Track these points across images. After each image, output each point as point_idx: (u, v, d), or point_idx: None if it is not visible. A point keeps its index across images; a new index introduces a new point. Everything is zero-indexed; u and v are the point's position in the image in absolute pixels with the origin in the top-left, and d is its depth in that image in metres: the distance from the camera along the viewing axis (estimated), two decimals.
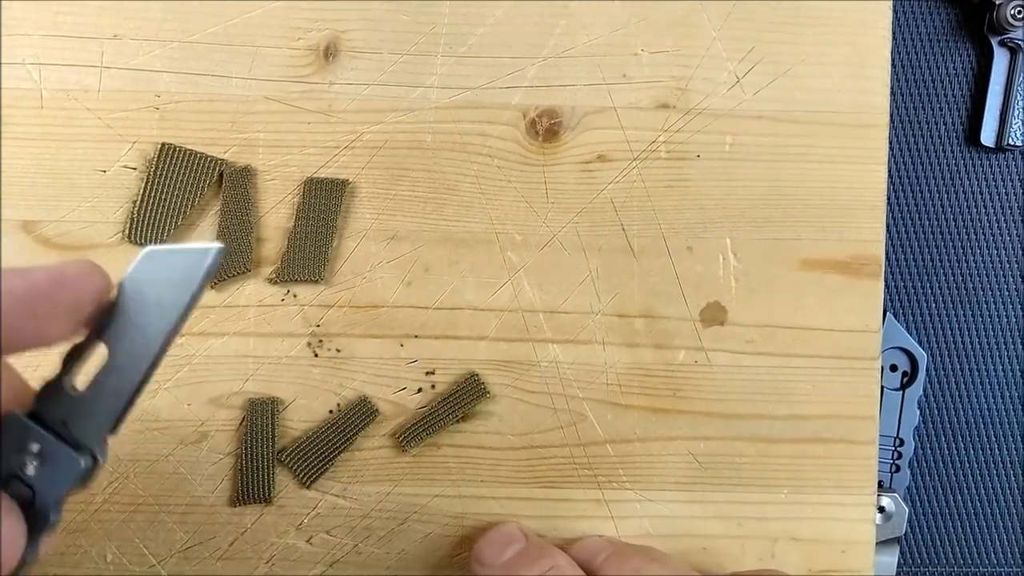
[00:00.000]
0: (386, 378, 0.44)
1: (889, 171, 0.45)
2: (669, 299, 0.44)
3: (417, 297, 0.44)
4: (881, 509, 0.49)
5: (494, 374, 0.44)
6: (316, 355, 0.44)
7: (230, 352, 0.44)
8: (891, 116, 0.44)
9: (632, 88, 0.44)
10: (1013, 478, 0.51)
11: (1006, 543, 0.52)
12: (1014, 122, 0.50)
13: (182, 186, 0.43)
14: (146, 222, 0.43)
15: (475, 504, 0.44)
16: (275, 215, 0.44)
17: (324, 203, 0.43)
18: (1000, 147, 0.50)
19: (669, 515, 0.44)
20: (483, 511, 0.44)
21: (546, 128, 0.44)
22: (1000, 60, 0.50)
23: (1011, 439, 0.51)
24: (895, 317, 0.51)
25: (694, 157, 0.44)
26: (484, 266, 0.44)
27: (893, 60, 0.45)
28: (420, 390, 0.44)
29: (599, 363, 0.44)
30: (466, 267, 0.44)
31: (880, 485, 0.49)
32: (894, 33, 0.47)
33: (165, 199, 0.43)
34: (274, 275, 0.43)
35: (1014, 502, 0.51)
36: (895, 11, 0.47)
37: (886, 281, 0.49)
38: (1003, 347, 0.51)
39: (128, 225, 0.43)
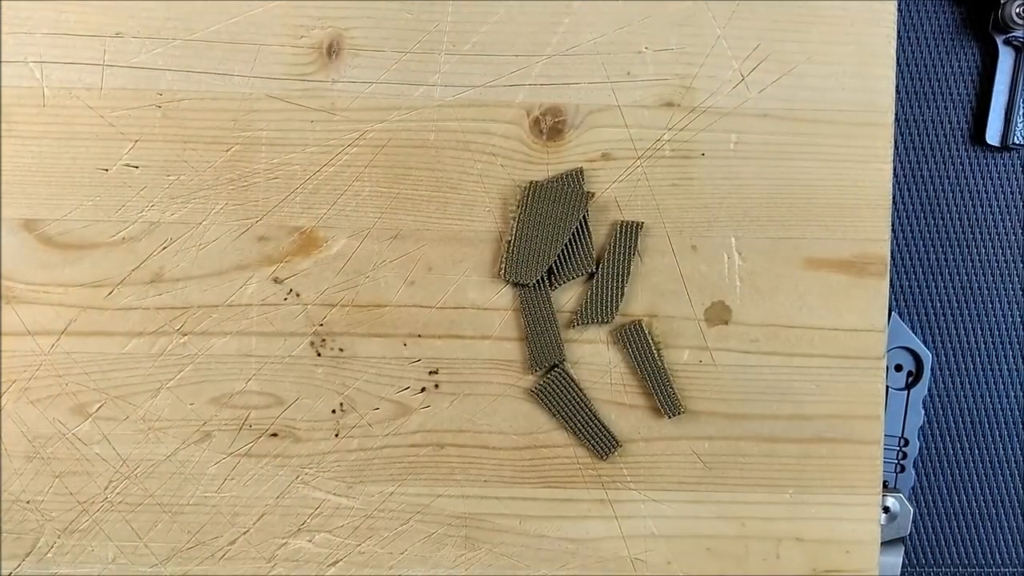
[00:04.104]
0: (389, 377, 0.44)
1: (894, 170, 0.44)
2: (673, 298, 0.44)
3: (420, 296, 0.44)
4: (886, 509, 0.48)
5: (497, 374, 0.44)
6: (319, 354, 0.44)
7: (232, 351, 0.44)
8: (896, 115, 0.44)
9: (636, 86, 0.44)
10: (1018, 478, 0.51)
11: (1011, 543, 0.51)
12: (1019, 121, 0.50)
13: (553, 221, 0.43)
14: (520, 260, 0.43)
15: (479, 504, 0.44)
16: (278, 214, 0.43)
17: (623, 244, 0.43)
18: (1005, 146, 0.50)
19: (673, 515, 0.44)
20: (486, 511, 0.44)
21: (550, 126, 0.44)
22: (1005, 59, 0.50)
23: (1016, 439, 0.51)
24: (900, 316, 0.51)
25: (699, 155, 0.44)
26: (487, 265, 0.44)
27: (898, 59, 0.45)
28: (423, 389, 0.44)
29: (603, 363, 0.44)
30: (469, 266, 0.44)
31: (885, 485, 0.49)
32: (899, 32, 0.47)
33: (537, 235, 0.43)
34: (576, 319, 0.44)
35: (1019, 502, 0.51)
36: (900, 10, 0.47)
37: (891, 280, 0.48)
38: (1009, 347, 0.51)
39: (503, 264, 0.43)
